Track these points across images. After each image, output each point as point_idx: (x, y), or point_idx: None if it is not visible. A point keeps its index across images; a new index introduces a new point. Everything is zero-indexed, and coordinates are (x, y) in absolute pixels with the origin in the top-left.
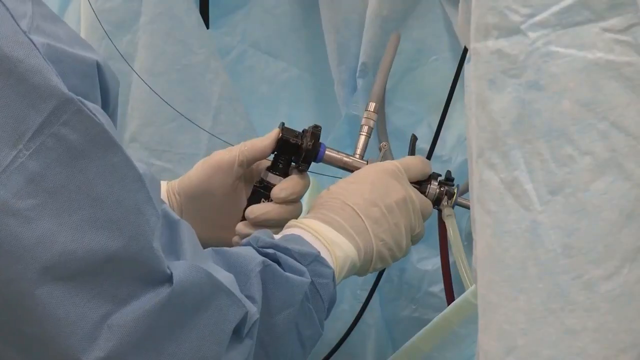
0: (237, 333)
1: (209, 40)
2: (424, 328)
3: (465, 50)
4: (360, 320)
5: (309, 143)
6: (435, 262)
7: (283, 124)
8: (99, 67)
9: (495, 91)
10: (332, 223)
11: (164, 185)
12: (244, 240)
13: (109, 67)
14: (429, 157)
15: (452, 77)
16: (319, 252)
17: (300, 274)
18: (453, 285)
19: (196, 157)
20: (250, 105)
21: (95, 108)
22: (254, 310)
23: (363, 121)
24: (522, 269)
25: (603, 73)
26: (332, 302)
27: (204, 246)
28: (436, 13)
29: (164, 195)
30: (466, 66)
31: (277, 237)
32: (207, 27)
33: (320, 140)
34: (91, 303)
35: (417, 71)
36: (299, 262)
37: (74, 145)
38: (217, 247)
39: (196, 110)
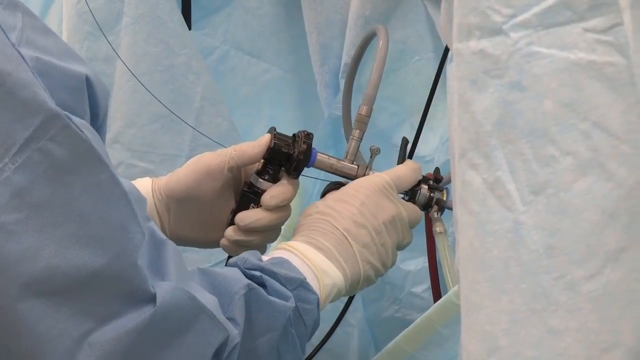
0: (217, 356)
1: (191, 41)
2: (408, 328)
3: (447, 51)
4: (343, 321)
5: (301, 153)
6: (418, 262)
7: (274, 129)
8: (88, 80)
9: (478, 92)
10: (322, 249)
11: (148, 182)
12: (231, 261)
13: (99, 79)
14: (410, 157)
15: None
16: (305, 277)
17: (285, 298)
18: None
19: (179, 158)
20: (233, 106)
21: (82, 124)
22: (235, 333)
23: (355, 125)
24: (504, 269)
25: (585, 73)
26: (315, 327)
27: (192, 246)
28: (419, 14)
29: (148, 192)
30: (448, 67)
31: (265, 258)
32: (190, 28)
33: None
34: (73, 319)
35: (400, 72)
36: (284, 286)
37: (60, 161)
38: (205, 246)
39: (178, 111)
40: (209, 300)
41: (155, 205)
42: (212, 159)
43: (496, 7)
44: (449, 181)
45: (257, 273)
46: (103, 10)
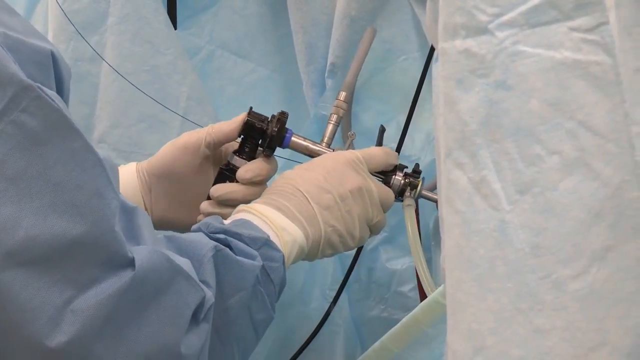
0: (195, 317)
1: (177, 41)
2: (394, 328)
3: (432, 50)
4: (329, 320)
5: (274, 128)
6: (404, 261)
7: (251, 108)
8: (53, 56)
9: (463, 91)
10: (282, 209)
11: (133, 165)
12: (194, 227)
13: (62, 57)
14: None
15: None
16: (268, 236)
17: (252, 258)
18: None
19: None
20: (219, 106)
21: (53, 94)
22: (209, 294)
23: (332, 109)
24: (490, 268)
25: (571, 72)
26: (282, 285)
27: (175, 229)
28: (405, 13)
29: (133, 175)
30: (434, 66)
31: (226, 222)
32: (175, 28)
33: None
34: (54, 288)
35: (387, 70)
36: (249, 246)
37: (33, 132)
38: (185, 227)
39: (165, 110)
40: (183, 262)
41: (139, 187)
42: (190, 135)
43: (482, 6)
44: (434, 183)
45: (222, 236)
46: (88, 10)
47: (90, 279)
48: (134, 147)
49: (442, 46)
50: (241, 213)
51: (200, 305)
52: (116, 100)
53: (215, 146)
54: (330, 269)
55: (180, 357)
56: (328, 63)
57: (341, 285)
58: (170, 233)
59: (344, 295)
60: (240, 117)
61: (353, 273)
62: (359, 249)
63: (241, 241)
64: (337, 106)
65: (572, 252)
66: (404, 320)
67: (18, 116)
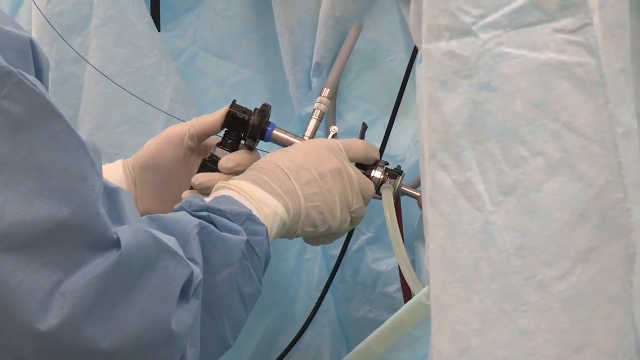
0: (184, 293)
1: (160, 42)
2: (378, 329)
3: (416, 51)
4: (315, 321)
5: (255, 119)
6: (390, 262)
7: (234, 101)
8: (32, 44)
9: (447, 92)
10: (260, 183)
11: (120, 162)
12: (177, 206)
13: (40, 47)
14: (380, 156)
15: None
16: (250, 210)
17: (236, 233)
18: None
19: None
20: (202, 107)
21: (34, 80)
22: (197, 271)
23: (315, 105)
24: (475, 269)
25: (555, 73)
26: (267, 259)
27: None
28: (393, 14)
29: (120, 170)
30: (418, 67)
31: (207, 199)
32: (159, 30)
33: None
34: (43, 271)
35: (374, 70)
36: (232, 222)
37: (16, 117)
38: None
39: (148, 112)
40: (168, 239)
41: (125, 181)
42: (174, 128)
43: (465, 7)
44: (418, 182)
45: (204, 213)
46: (72, 12)
47: (78, 261)
48: (117, 149)
49: (426, 47)
50: (221, 190)
51: (189, 281)
52: (100, 103)
53: (199, 138)
54: (315, 270)
55: (171, 333)
56: (313, 62)
57: (326, 286)
58: (153, 214)
59: (329, 296)
60: (223, 109)
61: (339, 274)
62: (344, 249)
63: (224, 217)
64: (319, 102)
65: (557, 253)
66: (388, 321)
67: (0, 102)
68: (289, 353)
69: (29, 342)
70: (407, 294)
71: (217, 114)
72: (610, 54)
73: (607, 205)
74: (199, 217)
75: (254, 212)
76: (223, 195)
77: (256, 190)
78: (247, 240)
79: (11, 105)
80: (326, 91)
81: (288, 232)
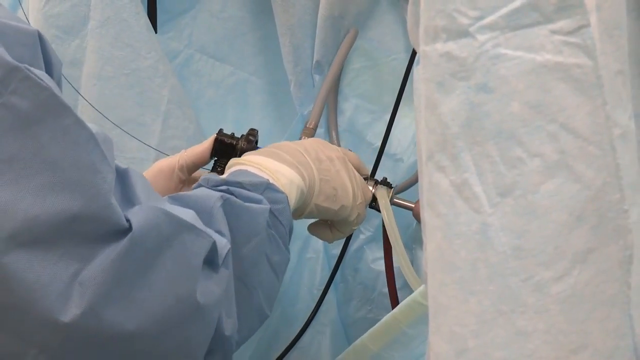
0: (211, 264)
1: (157, 44)
2: (374, 327)
3: (415, 52)
4: (316, 320)
5: (243, 143)
6: None
7: (221, 129)
8: (40, 38)
9: (444, 94)
10: (273, 156)
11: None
12: (195, 185)
13: (49, 42)
14: (379, 155)
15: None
16: (268, 179)
17: (258, 202)
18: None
19: (146, 161)
20: (198, 109)
21: (42, 74)
22: (224, 241)
23: (301, 136)
24: (472, 271)
25: (552, 75)
26: (290, 226)
27: None
28: (394, 14)
29: None
30: (415, 69)
31: (223, 177)
32: (155, 32)
33: (274, 142)
34: (60, 263)
35: (376, 69)
36: (252, 192)
37: (24, 113)
38: None
39: (145, 114)
40: (185, 213)
41: None
42: (163, 160)
43: (462, 9)
44: (415, 180)
45: (224, 187)
46: (69, 14)
47: (92, 251)
48: (115, 150)
49: (423, 49)
50: (234, 167)
51: (214, 252)
52: (96, 104)
53: (189, 169)
54: (318, 269)
55: (198, 306)
56: (314, 61)
57: (326, 285)
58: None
59: (331, 296)
60: (210, 138)
61: (340, 273)
62: (344, 249)
63: (244, 189)
64: (303, 134)
65: (554, 254)
66: (383, 319)
67: (8, 99)
68: (290, 352)
69: (54, 334)
70: (394, 297)
71: (205, 143)
72: (608, 55)
73: (604, 206)
74: (220, 191)
75: (272, 182)
76: (238, 169)
77: (269, 161)
78: (270, 209)
79: (19, 101)
80: (311, 122)
81: (304, 203)
